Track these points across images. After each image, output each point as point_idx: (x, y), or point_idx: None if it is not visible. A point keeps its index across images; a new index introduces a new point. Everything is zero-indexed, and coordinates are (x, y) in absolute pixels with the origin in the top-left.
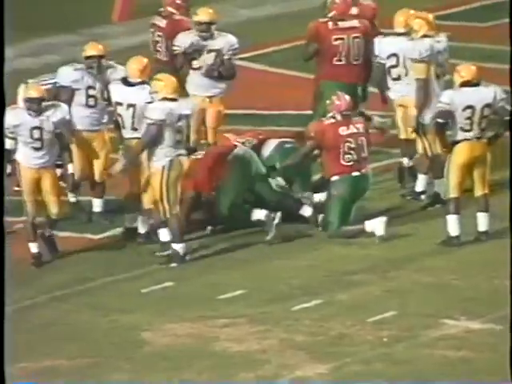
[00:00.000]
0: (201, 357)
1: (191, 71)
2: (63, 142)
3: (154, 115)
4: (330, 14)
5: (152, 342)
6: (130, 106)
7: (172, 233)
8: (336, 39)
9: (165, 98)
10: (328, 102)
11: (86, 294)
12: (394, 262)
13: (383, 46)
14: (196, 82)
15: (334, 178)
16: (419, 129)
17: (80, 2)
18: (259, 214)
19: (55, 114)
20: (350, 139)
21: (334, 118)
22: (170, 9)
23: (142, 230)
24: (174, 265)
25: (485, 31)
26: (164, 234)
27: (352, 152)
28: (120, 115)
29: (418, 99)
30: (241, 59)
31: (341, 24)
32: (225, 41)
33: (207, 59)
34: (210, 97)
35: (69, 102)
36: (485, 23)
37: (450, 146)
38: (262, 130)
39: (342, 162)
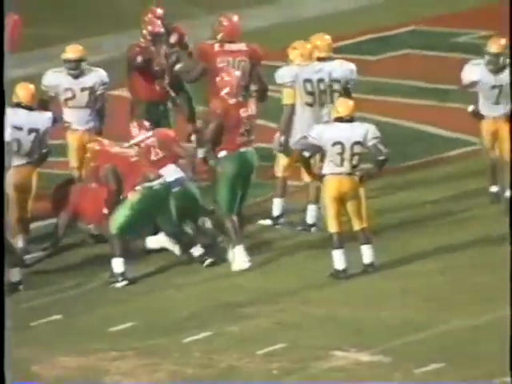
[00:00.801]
0: None
1: (65, 109)
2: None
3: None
4: (218, 36)
5: (42, 375)
6: (31, 130)
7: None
8: (221, 61)
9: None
10: (218, 78)
11: None
12: (283, 294)
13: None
14: (72, 117)
15: (222, 153)
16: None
17: None
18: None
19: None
20: (247, 121)
21: (235, 97)
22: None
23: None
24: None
25: (374, 64)
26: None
27: (246, 133)
28: (17, 140)
29: (282, 124)
30: None
31: (227, 46)
32: (96, 76)
33: (81, 97)
34: (88, 130)
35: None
36: (374, 56)
37: (316, 176)
38: None
39: (235, 142)
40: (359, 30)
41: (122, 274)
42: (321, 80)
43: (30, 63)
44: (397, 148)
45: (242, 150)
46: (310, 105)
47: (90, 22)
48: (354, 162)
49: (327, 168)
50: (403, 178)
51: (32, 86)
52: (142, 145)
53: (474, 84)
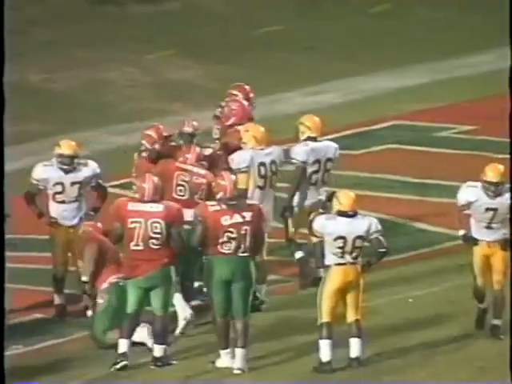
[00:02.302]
0: None
1: (52, 203)
2: None
3: None
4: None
5: None
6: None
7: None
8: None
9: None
10: (213, 183)
11: None
12: None
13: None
14: (59, 212)
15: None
16: None
17: None
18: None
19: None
20: (231, 229)
21: (218, 205)
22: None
23: None
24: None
25: (355, 159)
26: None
27: (232, 241)
28: None
29: None
30: None
31: None
32: (86, 170)
33: (71, 192)
34: (73, 226)
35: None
36: (355, 151)
37: (323, 268)
38: None
39: (220, 250)
40: (339, 126)
41: (123, 355)
42: (273, 162)
43: (12, 158)
44: None
45: (231, 257)
46: (261, 188)
47: (76, 117)
48: (355, 254)
49: (329, 259)
50: (386, 274)
51: None
52: None
53: (469, 204)
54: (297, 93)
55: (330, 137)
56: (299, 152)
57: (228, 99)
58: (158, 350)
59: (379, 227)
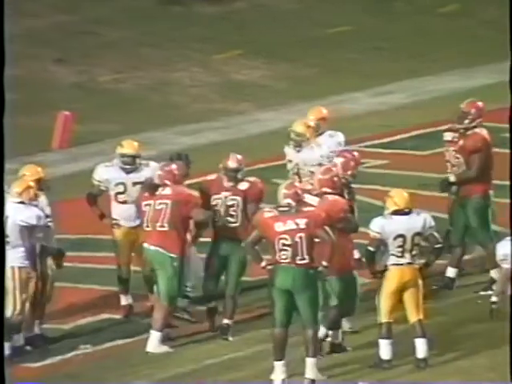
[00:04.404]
0: None
1: (115, 203)
2: None
3: None
4: None
5: None
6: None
7: None
8: None
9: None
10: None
11: None
12: None
13: None
14: (120, 213)
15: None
16: None
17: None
18: None
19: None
20: (285, 236)
21: (273, 211)
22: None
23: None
24: None
25: (422, 160)
26: None
27: (287, 249)
28: None
29: None
30: None
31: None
32: (148, 170)
33: (133, 192)
34: (135, 227)
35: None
36: (423, 151)
37: (378, 273)
38: None
39: (279, 258)
40: (407, 126)
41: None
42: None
43: (80, 159)
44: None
45: (290, 265)
46: None
47: (143, 118)
48: (414, 253)
49: (389, 260)
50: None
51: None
52: None
53: None
54: (365, 93)
55: (397, 137)
56: None
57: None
58: None
59: (433, 223)
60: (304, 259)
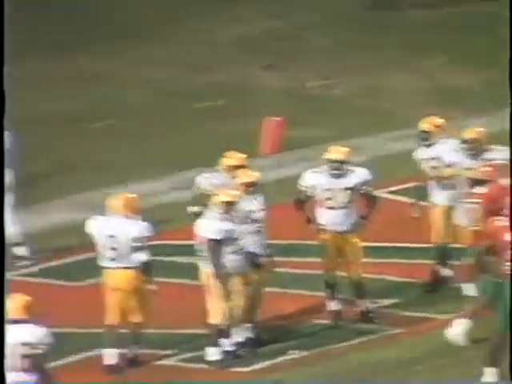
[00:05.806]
0: None
1: (321, 209)
2: None
3: None
4: None
5: None
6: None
7: None
8: None
9: None
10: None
11: None
12: None
13: None
14: (327, 218)
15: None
16: None
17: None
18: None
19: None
20: None
21: (503, 219)
22: None
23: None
24: None
25: None
26: None
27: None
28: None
29: None
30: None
31: None
32: (356, 176)
33: (340, 198)
34: (343, 232)
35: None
36: None
37: None
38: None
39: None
40: None
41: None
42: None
43: (286, 164)
44: None
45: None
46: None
47: (352, 123)
48: None
49: None
50: None
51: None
52: None
53: None
54: None
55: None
56: None
57: None
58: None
59: None
60: None
